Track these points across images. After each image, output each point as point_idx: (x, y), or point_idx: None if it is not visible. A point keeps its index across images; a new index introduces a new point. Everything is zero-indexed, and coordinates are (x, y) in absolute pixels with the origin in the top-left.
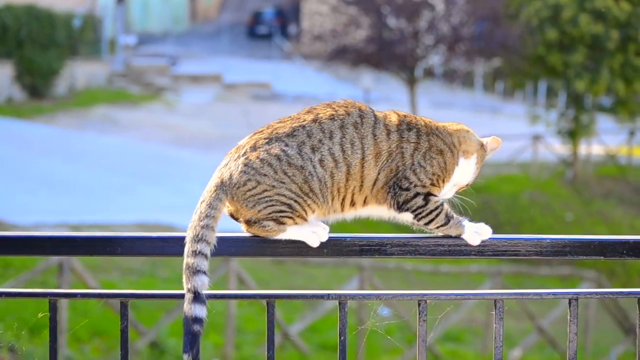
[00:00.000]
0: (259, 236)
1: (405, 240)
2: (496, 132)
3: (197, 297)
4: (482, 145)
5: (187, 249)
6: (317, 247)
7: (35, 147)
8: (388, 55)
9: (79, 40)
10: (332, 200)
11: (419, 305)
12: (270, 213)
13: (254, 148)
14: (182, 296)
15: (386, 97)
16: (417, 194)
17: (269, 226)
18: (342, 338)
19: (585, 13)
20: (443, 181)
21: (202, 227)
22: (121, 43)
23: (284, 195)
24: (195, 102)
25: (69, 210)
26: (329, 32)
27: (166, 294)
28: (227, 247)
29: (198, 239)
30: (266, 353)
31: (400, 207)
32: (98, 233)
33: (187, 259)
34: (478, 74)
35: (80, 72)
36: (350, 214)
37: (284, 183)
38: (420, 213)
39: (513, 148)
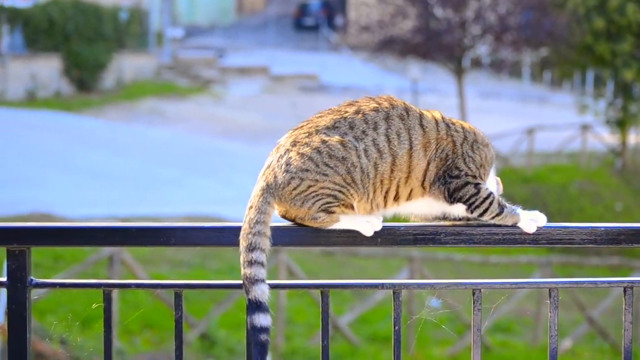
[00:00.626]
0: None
1: (460, 229)
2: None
3: (259, 307)
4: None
5: (243, 259)
6: (371, 237)
7: (83, 140)
8: (435, 45)
9: (126, 34)
10: (374, 192)
11: (474, 294)
12: (319, 207)
13: (294, 144)
14: (235, 286)
15: (433, 87)
16: (467, 183)
17: (320, 218)
18: (396, 328)
19: (632, 2)
20: (486, 175)
21: (255, 235)
22: (168, 36)
23: (328, 188)
24: (242, 94)
25: (118, 202)
26: (376, 22)
27: (219, 284)
28: (281, 237)
29: (252, 247)
30: (321, 342)
31: (451, 196)
32: (151, 223)
33: (244, 270)
34: (525, 64)
35: (127, 65)
36: (392, 209)
37: (327, 175)
38: (473, 202)
39: (562, 138)
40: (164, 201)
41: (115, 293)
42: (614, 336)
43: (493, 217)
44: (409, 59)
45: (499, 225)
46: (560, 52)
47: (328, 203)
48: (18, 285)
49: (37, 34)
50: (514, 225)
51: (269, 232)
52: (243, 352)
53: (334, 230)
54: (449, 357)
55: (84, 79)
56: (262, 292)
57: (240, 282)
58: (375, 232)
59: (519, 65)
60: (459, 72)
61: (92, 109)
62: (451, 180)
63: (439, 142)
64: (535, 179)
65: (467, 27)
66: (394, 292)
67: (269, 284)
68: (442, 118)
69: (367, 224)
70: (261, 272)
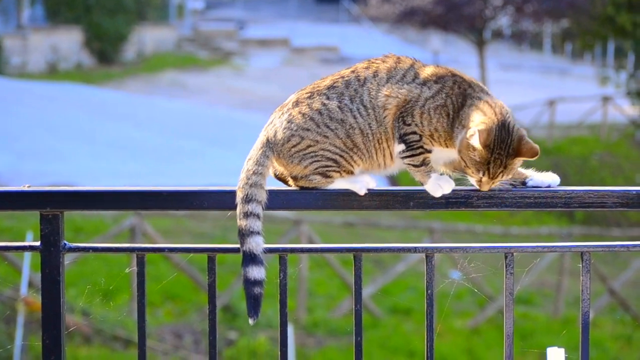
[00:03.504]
0: (307, 188)
1: (492, 192)
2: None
3: (254, 259)
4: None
5: (239, 210)
6: (404, 200)
7: (104, 113)
8: (456, 16)
9: (147, 5)
10: (376, 153)
11: (506, 257)
12: (316, 168)
13: (296, 104)
14: (267, 250)
15: (454, 59)
16: (414, 132)
17: (315, 179)
18: (429, 292)
19: None
20: (437, 140)
21: (251, 186)
22: (189, 8)
23: (328, 151)
24: (263, 66)
25: (139, 174)
26: None
27: None
28: (313, 201)
29: (248, 199)
30: (353, 307)
31: (400, 138)
32: (184, 187)
33: (240, 222)
34: (547, 35)
35: (148, 37)
36: (393, 168)
37: (327, 137)
38: (412, 146)
39: (582, 110)
40: (185, 173)
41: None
42: (635, 308)
43: (411, 165)
44: (430, 31)
45: (532, 189)
46: (581, 23)
47: (327, 167)
48: (52, 250)
49: (57, 5)
50: (422, 185)
51: (265, 185)
52: (266, 324)
53: (366, 195)
54: (470, 329)
55: (105, 51)
56: (256, 244)
57: (273, 245)
58: (408, 196)
59: (540, 37)
60: (479, 44)
61: (113, 81)
62: (403, 127)
63: (409, 91)
64: (556, 150)
65: None
66: (426, 256)
67: (302, 248)
68: (432, 75)
69: (361, 183)
70: (257, 225)
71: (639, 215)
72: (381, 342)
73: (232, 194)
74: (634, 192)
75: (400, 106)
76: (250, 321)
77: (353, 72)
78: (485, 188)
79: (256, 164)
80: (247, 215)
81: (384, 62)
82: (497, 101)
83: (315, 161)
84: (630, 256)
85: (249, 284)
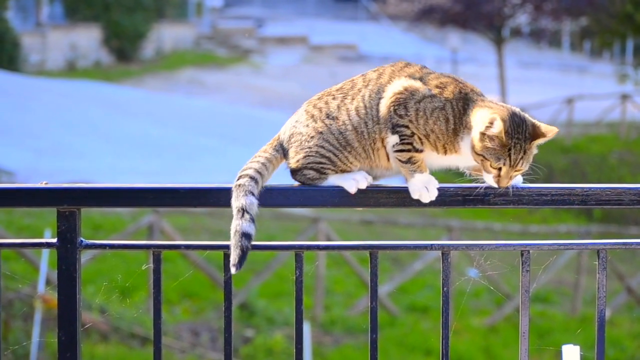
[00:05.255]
0: (303, 184)
1: (509, 190)
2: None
3: (244, 215)
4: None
5: (237, 175)
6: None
7: (123, 110)
8: (475, 14)
9: (166, 3)
10: (373, 154)
11: (522, 255)
12: (309, 163)
13: (308, 103)
14: (283, 247)
15: (473, 57)
16: (407, 126)
17: (309, 174)
18: (445, 289)
19: None
20: (432, 143)
21: (255, 160)
22: (208, 5)
23: (322, 147)
24: (281, 64)
25: (158, 171)
26: None
27: (267, 245)
28: (329, 198)
29: (249, 167)
30: (369, 304)
31: (393, 128)
32: (201, 184)
33: (237, 181)
34: (565, 33)
35: (167, 35)
36: (393, 170)
37: (322, 134)
38: (403, 140)
39: (601, 108)
40: (204, 170)
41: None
42: None
43: (398, 159)
44: (449, 28)
45: (548, 186)
46: (600, 21)
47: (321, 163)
48: (68, 247)
49: (76, 3)
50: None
51: (269, 166)
52: (283, 321)
53: (382, 191)
54: (487, 327)
55: (124, 49)
56: (250, 202)
57: (288, 242)
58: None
59: (559, 35)
60: (498, 42)
61: (131, 79)
62: (396, 117)
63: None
64: (575, 148)
65: None
66: (442, 253)
67: (318, 245)
68: (438, 79)
69: (352, 181)
70: (252, 185)
71: None
72: (398, 340)
73: None
74: None
75: (397, 93)
76: (233, 270)
77: (363, 75)
78: (504, 183)
79: (264, 151)
80: (243, 176)
81: (392, 66)
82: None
83: (308, 155)
84: None
85: (238, 234)
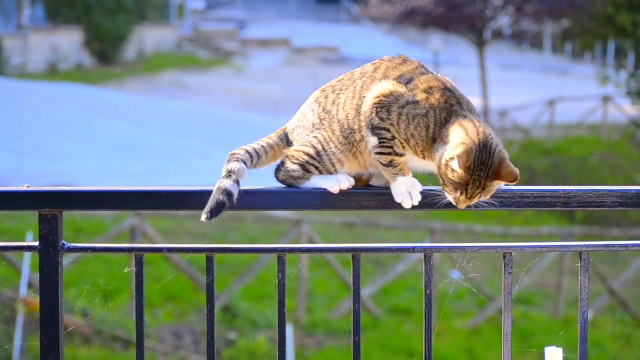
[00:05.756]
0: (286, 184)
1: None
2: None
3: (231, 176)
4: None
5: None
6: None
7: (105, 112)
8: (457, 16)
9: (147, 5)
10: (362, 152)
11: (504, 257)
12: (299, 153)
13: (313, 98)
14: (265, 250)
15: (455, 59)
16: (387, 129)
17: (294, 171)
18: (427, 291)
19: None
20: (412, 148)
21: (255, 142)
22: (189, 8)
23: (315, 138)
24: (263, 66)
25: (140, 174)
26: None
27: (250, 248)
28: (311, 200)
29: (248, 145)
30: (352, 306)
31: (373, 129)
32: (183, 187)
33: (233, 151)
34: (547, 35)
35: (148, 37)
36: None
37: (316, 128)
38: (383, 143)
39: (582, 109)
40: (187, 172)
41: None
42: (635, 307)
43: (380, 162)
44: (430, 31)
45: (530, 188)
46: (581, 23)
47: (309, 156)
48: (50, 250)
49: (58, 6)
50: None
51: (268, 150)
52: (265, 324)
53: (365, 194)
54: (470, 329)
55: (105, 51)
56: (240, 168)
57: (270, 245)
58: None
59: (540, 37)
60: (480, 44)
61: (113, 81)
62: (376, 118)
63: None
64: (556, 150)
65: None
66: (425, 256)
67: (301, 248)
68: (427, 82)
69: (335, 181)
70: (246, 156)
71: (639, 214)
72: (381, 342)
73: None
74: (633, 192)
75: (381, 95)
76: (203, 217)
77: (362, 67)
78: (462, 206)
79: (268, 138)
80: (241, 148)
81: (390, 60)
82: (481, 122)
83: (302, 145)
84: (629, 256)
85: (221, 190)
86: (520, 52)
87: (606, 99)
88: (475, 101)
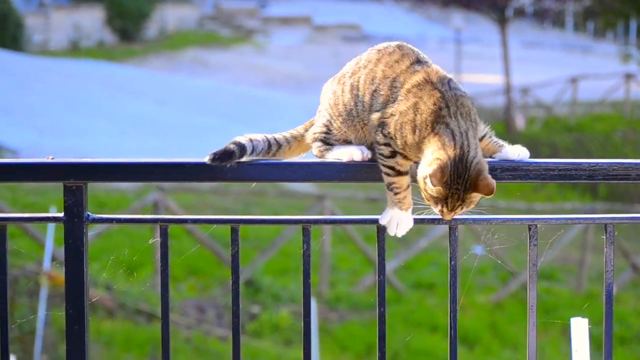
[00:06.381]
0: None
1: (516, 165)
2: (587, 71)
3: (249, 139)
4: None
5: None
6: None
7: (126, 90)
8: None
9: None
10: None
11: (530, 229)
12: (319, 132)
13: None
14: (290, 221)
15: (476, 37)
16: (388, 145)
17: (317, 146)
18: (452, 263)
19: None
20: (402, 152)
21: (279, 133)
22: None
23: (328, 114)
24: (285, 44)
25: (161, 150)
26: None
27: (275, 219)
28: (336, 173)
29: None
30: (376, 277)
31: (379, 127)
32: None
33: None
34: (569, 13)
35: (170, 15)
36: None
37: (330, 107)
38: (387, 142)
39: (605, 87)
40: (207, 149)
41: (158, 241)
42: None
43: (380, 160)
44: (452, 9)
45: (556, 161)
46: (603, 1)
47: (324, 132)
48: (75, 221)
49: None
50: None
51: (289, 138)
52: (288, 298)
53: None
54: (493, 304)
55: (127, 29)
56: (261, 140)
57: (295, 217)
58: None
59: (563, 15)
60: (502, 22)
61: (135, 59)
62: (380, 134)
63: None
64: (579, 127)
65: None
66: (450, 228)
67: (325, 219)
68: (419, 82)
69: (347, 151)
70: (264, 140)
71: None
72: (404, 317)
73: (255, 165)
74: None
75: (400, 121)
76: (207, 157)
77: (368, 53)
78: (447, 218)
79: (297, 128)
80: (260, 134)
81: (389, 55)
82: (462, 131)
83: (321, 124)
84: None
85: (234, 142)
86: (542, 31)
87: (629, 76)
88: (498, 79)
